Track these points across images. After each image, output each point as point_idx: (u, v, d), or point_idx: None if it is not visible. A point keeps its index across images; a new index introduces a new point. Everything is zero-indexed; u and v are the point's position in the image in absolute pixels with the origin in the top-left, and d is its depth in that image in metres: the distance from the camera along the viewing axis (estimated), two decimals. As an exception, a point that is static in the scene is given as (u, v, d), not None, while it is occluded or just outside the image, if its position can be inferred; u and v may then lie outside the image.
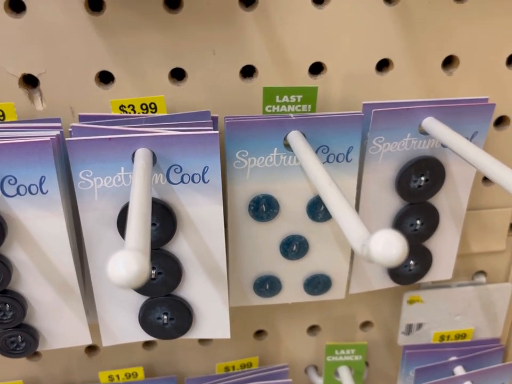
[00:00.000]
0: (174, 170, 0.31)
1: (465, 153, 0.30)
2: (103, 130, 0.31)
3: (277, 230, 0.36)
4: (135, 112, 0.34)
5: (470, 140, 0.35)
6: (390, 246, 0.19)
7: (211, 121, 0.33)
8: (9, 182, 0.30)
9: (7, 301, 0.32)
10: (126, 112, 0.34)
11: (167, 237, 0.33)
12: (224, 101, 0.35)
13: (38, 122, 0.32)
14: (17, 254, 0.32)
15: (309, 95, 0.34)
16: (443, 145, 0.36)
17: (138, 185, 0.26)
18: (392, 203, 0.37)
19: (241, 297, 0.38)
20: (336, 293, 0.39)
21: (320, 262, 0.38)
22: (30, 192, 0.30)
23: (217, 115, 0.34)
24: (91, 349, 0.44)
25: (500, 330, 0.46)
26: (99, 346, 0.43)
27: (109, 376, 0.43)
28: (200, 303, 0.35)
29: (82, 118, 0.33)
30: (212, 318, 0.36)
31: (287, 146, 0.32)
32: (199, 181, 0.32)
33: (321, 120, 0.32)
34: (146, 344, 0.44)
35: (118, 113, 0.34)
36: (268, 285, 0.38)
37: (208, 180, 0.32)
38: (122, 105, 0.33)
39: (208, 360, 0.45)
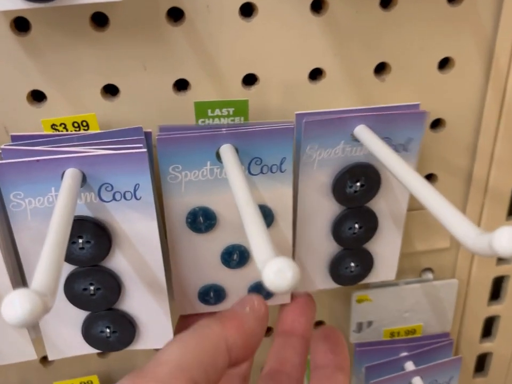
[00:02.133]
0: (105, 188, 0.32)
1: (389, 165, 0.31)
2: (33, 152, 0.32)
3: (216, 241, 0.36)
4: (67, 130, 0.34)
5: (405, 146, 0.36)
6: (282, 275, 0.20)
7: (143, 137, 0.33)
8: None
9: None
10: (58, 131, 0.34)
11: (103, 253, 0.33)
12: (158, 115, 0.36)
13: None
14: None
15: (241, 108, 0.34)
16: (375, 152, 0.36)
17: (58, 209, 0.27)
18: (330, 209, 0.37)
19: (187, 306, 0.39)
20: (282, 297, 0.40)
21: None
22: None
23: (150, 130, 0.34)
24: (46, 359, 0.44)
25: (449, 325, 0.47)
26: (54, 357, 0.44)
27: (64, 386, 0.44)
28: (142, 315, 0.36)
29: (15, 138, 0.33)
30: (155, 329, 0.36)
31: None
32: (131, 198, 0.32)
33: (253, 133, 0.33)
34: (101, 353, 0.45)
35: (50, 131, 0.34)
36: (212, 293, 0.38)
37: (140, 197, 0.32)
38: (54, 124, 0.34)
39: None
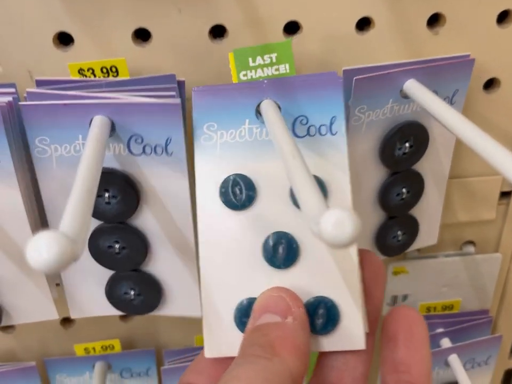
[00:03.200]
0: (135, 140, 0.30)
1: (443, 119, 0.28)
2: (60, 96, 0.29)
3: (256, 223, 0.27)
4: (95, 76, 0.32)
5: (451, 99, 0.33)
6: (341, 226, 0.17)
7: (175, 86, 0.31)
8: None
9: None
10: (86, 76, 0.32)
11: (130, 210, 0.31)
12: (192, 63, 0.33)
13: (-9, 88, 0.30)
14: (-29, 228, 0.30)
15: (284, 52, 0.30)
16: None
17: (86, 158, 0.25)
18: (377, 175, 0.35)
19: (222, 342, 0.27)
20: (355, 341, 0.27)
21: (318, 277, 0.27)
22: (-20, 163, 0.29)
23: (183, 79, 0.31)
24: (67, 321, 0.43)
25: (488, 301, 0.45)
26: (75, 319, 0.42)
27: (85, 349, 0.42)
28: (169, 279, 0.34)
29: (40, 83, 0.31)
30: (182, 295, 0.34)
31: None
32: (162, 153, 0.30)
33: (296, 84, 0.30)
34: (124, 316, 0.43)
35: (77, 77, 0.32)
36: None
37: (172, 152, 0.30)
38: (81, 69, 0.31)
39: (187, 333, 0.44)
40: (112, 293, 0.34)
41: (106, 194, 0.31)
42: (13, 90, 0.30)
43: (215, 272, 0.27)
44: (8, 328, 0.42)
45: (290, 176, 0.23)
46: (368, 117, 0.32)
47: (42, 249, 0.17)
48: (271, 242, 0.27)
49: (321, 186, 0.28)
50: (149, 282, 0.33)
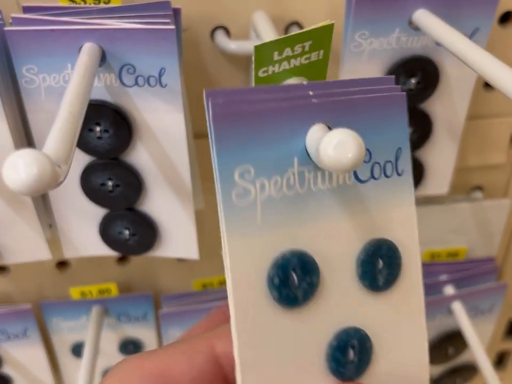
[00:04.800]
0: (127, 70, 0.28)
1: (461, 53, 0.26)
2: (48, 22, 0.28)
3: (316, 320, 0.19)
4: (85, 2, 0.30)
5: (470, 38, 0.31)
6: (343, 147, 0.16)
7: (171, 13, 0.29)
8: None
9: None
10: (75, 3, 0.30)
11: (123, 145, 0.30)
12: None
13: (-26, 14, 0.29)
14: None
15: (322, 37, 0.24)
16: (438, 44, 0.31)
17: (74, 84, 0.23)
18: (378, 109, 0.33)
19: None
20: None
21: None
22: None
23: (179, 7, 0.30)
24: (63, 264, 0.42)
25: (495, 249, 0.44)
26: (71, 262, 0.41)
27: (81, 292, 0.41)
28: (164, 219, 0.32)
29: (27, 10, 0.29)
30: (178, 236, 0.33)
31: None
32: (156, 84, 0.28)
33: (353, 104, 0.19)
34: (120, 260, 0.42)
35: (67, 3, 0.30)
36: None
37: (166, 84, 0.28)
38: (70, -5, 0.29)
39: (185, 277, 0.43)
40: (107, 233, 0.33)
41: (98, 128, 0.29)
42: (-5, 17, 0.28)
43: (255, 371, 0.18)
44: (3, 270, 0.41)
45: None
46: (370, 44, 0.30)
47: (20, 168, 0.16)
48: (337, 345, 0.19)
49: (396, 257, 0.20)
50: (144, 222, 0.32)
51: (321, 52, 0.24)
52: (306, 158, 0.18)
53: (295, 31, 0.33)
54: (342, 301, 0.19)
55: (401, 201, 0.20)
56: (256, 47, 0.23)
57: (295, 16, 0.33)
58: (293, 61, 0.24)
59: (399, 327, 0.20)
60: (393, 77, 0.20)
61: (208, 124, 0.17)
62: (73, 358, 0.45)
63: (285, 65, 0.24)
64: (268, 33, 0.29)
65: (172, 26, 0.27)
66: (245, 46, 0.32)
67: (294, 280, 0.18)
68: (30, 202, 0.31)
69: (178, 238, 0.33)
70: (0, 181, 0.29)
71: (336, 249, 0.19)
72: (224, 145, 0.16)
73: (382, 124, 0.19)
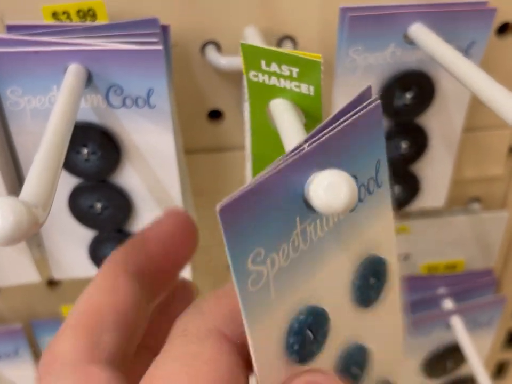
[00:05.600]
0: (114, 91, 0.27)
1: (455, 70, 0.25)
2: (32, 43, 0.27)
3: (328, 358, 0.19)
4: (71, 20, 0.29)
5: (466, 51, 0.30)
6: (334, 191, 0.15)
7: (159, 31, 0.28)
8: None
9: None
10: (61, 21, 0.29)
11: (111, 167, 0.29)
12: (178, 7, 0.30)
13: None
14: None
15: (309, 71, 0.22)
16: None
17: (58, 110, 0.22)
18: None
19: None
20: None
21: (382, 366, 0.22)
22: None
23: (168, 23, 0.29)
24: (53, 282, 0.41)
25: (493, 260, 0.43)
26: (61, 280, 0.41)
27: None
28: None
29: (11, 28, 0.28)
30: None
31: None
32: (144, 106, 0.27)
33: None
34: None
35: (51, 21, 0.29)
36: None
37: (155, 105, 0.27)
38: (55, 12, 0.29)
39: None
40: (96, 254, 0.32)
41: (85, 151, 0.28)
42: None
43: None
44: (-8, 289, 0.40)
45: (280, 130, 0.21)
46: (364, 59, 0.30)
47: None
48: (344, 367, 0.20)
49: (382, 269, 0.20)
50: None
51: (311, 88, 0.23)
52: (305, 210, 0.17)
53: (287, 45, 0.32)
54: (345, 328, 0.19)
55: (380, 210, 0.20)
56: (243, 45, 0.23)
57: (287, 30, 0.32)
58: (282, 82, 0.23)
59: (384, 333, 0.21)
60: (370, 86, 0.19)
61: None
62: (66, 376, 0.44)
63: (275, 82, 0.23)
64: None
65: (160, 47, 0.26)
66: (236, 61, 0.31)
67: (310, 337, 0.18)
68: (17, 226, 0.30)
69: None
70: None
71: (337, 284, 0.19)
72: (234, 241, 0.15)
73: (363, 143, 0.18)
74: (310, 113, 0.24)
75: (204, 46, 0.32)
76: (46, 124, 0.28)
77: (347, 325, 0.19)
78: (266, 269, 0.16)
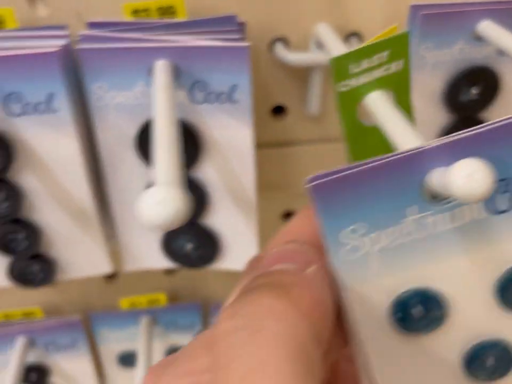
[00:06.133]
0: (199, 87, 0.28)
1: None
2: (118, 39, 0.28)
3: (447, 341, 0.19)
4: (150, 17, 0.30)
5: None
6: (472, 178, 0.16)
7: (239, 28, 0.29)
8: (14, 99, 0.26)
9: (20, 230, 0.30)
10: (141, 17, 0.30)
11: (190, 161, 0.30)
12: (255, 3, 0.31)
13: (41, 31, 0.28)
14: (27, 180, 0.29)
15: (399, 46, 0.24)
16: (500, 53, 0.31)
17: (162, 106, 0.23)
18: (440, 119, 0.33)
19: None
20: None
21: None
22: (37, 111, 0.27)
23: (244, 20, 0.29)
24: (111, 276, 0.42)
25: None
26: (118, 273, 0.41)
27: (131, 302, 0.41)
28: (227, 233, 0.32)
29: (92, 26, 0.29)
30: (239, 249, 0.33)
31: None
32: (227, 101, 0.28)
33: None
34: (168, 270, 0.42)
35: (131, 19, 0.30)
36: None
37: (237, 100, 0.28)
38: (136, 10, 0.29)
39: (233, 286, 0.43)
40: (169, 246, 0.33)
41: (167, 145, 0.29)
42: (64, 33, 0.28)
43: None
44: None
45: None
46: (434, 56, 0.30)
47: (167, 206, 0.16)
48: (474, 356, 0.20)
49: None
50: (207, 236, 0.32)
51: (401, 62, 0.24)
52: (422, 202, 0.17)
53: (354, 41, 0.33)
54: (475, 323, 0.19)
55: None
56: (332, 60, 0.23)
57: (353, 27, 0.33)
58: (372, 73, 0.24)
59: None
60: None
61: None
62: (120, 368, 0.45)
63: (365, 78, 0.24)
64: (336, 45, 0.29)
65: (247, 44, 0.27)
66: (304, 57, 0.32)
67: (417, 314, 0.18)
68: (95, 218, 0.31)
69: (239, 251, 0.33)
70: (66, 196, 0.30)
71: (467, 279, 0.19)
72: (328, 212, 0.16)
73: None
74: (398, 88, 0.25)
75: (272, 43, 0.33)
76: (130, 118, 0.29)
77: (484, 320, 0.19)
78: (365, 244, 0.17)
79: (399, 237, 0.18)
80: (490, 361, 0.19)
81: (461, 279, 0.19)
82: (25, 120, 0.27)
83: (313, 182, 0.16)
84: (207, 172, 0.30)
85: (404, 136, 0.21)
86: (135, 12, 0.29)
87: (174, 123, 0.22)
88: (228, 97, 0.28)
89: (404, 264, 0.18)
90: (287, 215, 0.41)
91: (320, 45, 0.32)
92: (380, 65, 0.24)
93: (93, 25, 0.29)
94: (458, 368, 0.19)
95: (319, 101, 0.35)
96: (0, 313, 0.40)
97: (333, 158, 0.36)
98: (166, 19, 0.30)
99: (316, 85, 0.34)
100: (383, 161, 0.16)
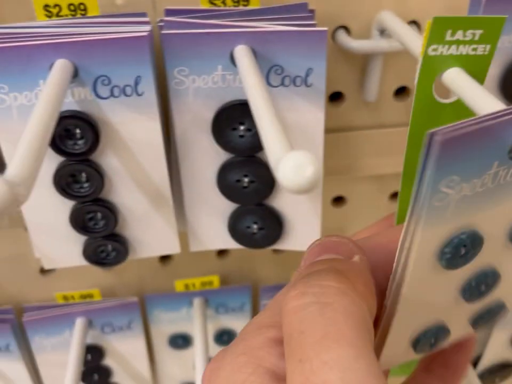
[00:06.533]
0: (275, 71, 0.29)
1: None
2: (200, 25, 0.29)
3: (463, 272, 0.22)
4: (225, 4, 0.31)
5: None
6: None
7: (312, 15, 0.30)
8: (102, 82, 0.28)
9: (99, 210, 0.31)
10: (215, 5, 0.31)
11: (260, 143, 0.31)
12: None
13: (122, 17, 0.29)
14: (110, 161, 0.30)
15: (492, 30, 0.24)
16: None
17: (256, 85, 0.24)
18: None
19: (395, 354, 0.24)
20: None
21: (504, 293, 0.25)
22: (125, 94, 0.28)
23: (314, 8, 0.31)
24: (164, 258, 0.43)
25: None
26: (173, 256, 0.43)
27: (185, 285, 0.42)
28: (292, 213, 0.34)
29: (169, 12, 0.30)
30: (303, 229, 0.34)
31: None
32: (301, 84, 0.29)
33: None
34: (220, 253, 0.43)
35: (207, 6, 0.31)
36: (433, 339, 0.24)
37: (311, 84, 0.29)
38: (212, -2, 0.30)
39: (282, 269, 0.44)
40: (235, 227, 0.34)
41: (241, 127, 0.30)
42: (145, 19, 0.29)
43: (407, 315, 0.23)
44: (107, 265, 0.42)
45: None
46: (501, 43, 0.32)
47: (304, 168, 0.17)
48: (473, 283, 0.23)
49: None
50: (272, 216, 0.33)
51: (488, 46, 0.24)
52: (505, 159, 0.19)
53: (414, 30, 0.34)
54: (490, 255, 0.22)
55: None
56: (436, 18, 0.23)
57: (413, 15, 0.34)
58: (460, 48, 0.24)
59: None
60: None
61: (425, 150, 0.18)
62: (170, 350, 0.46)
63: (453, 50, 0.24)
64: (405, 30, 0.30)
65: (325, 28, 0.28)
66: (367, 45, 0.33)
67: (461, 253, 0.21)
68: (170, 199, 0.32)
69: (303, 231, 0.34)
70: (144, 175, 0.31)
71: (496, 224, 0.22)
72: (438, 162, 0.18)
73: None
74: (476, 72, 0.26)
75: (333, 31, 0.34)
76: (206, 103, 0.30)
77: (494, 254, 0.22)
78: (453, 193, 0.19)
79: (478, 187, 0.20)
80: (483, 287, 0.23)
81: (493, 224, 0.21)
82: (112, 103, 0.28)
83: (434, 135, 0.18)
84: (277, 154, 0.31)
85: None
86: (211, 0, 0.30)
87: (265, 100, 0.23)
88: (303, 80, 0.29)
89: (470, 210, 0.20)
90: (338, 199, 0.42)
91: (382, 33, 0.34)
92: (470, 42, 0.24)
93: (170, 12, 0.30)
94: (455, 293, 0.23)
95: (376, 88, 0.36)
96: (59, 294, 0.42)
97: (387, 143, 0.38)
98: (240, 7, 0.31)
99: (375, 72, 0.35)
100: (489, 122, 0.18)
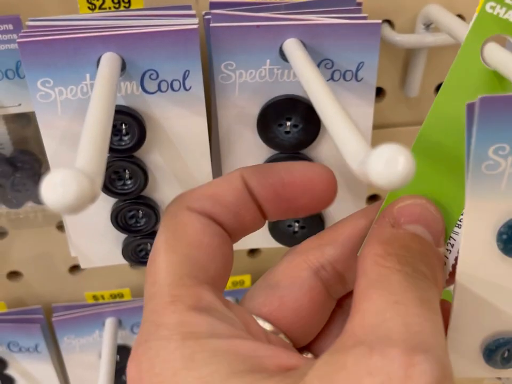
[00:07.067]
0: (325, 65, 0.28)
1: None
2: (247, 18, 0.28)
3: None
4: (270, -3, 0.30)
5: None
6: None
7: (359, 7, 0.29)
8: (150, 77, 0.27)
9: (141, 208, 0.30)
10: (261, -2, 0.30)
11: (310, 140, 0.30)
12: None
13: (167, 10, 0.29)
14: (154, 158, 0.29)
15: None
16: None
17: (314, 81, 0.23)
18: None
19: (464, 366, 0.23)
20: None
21: None
22: (172, 89, 0.27)
23: (361, 1, 0.30)
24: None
25: None
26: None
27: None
28: (334, 212, 0.33)
29: (214, 5, 0.29)
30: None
31: None
32: (351, 79, 0.29)
33: None
34: (251, 252, 0.42)
35: (252, -1, 0.30)
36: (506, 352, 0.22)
37: (362, 78, 0.29)
38: (257, -10, 0.30)
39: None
40: (276, 225, 0.33)
41: (288, 123, 0.30)
42: (191, 12, 0.29)
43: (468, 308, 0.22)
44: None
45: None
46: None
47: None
48: None
49: None
50: (314, 215, 0.33)
51: None
52: None
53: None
54: None
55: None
56: None
57: (457, 9, 0.33)
58: None
59: None
60: None
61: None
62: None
63: (509, 16, 0.23)
64: (455, 22, 0.29)
65: (378, 21, 0.27)
66: (413, 39, 0.33)
67: None
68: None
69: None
70: (187, 175, 0.30)
71: None
72: (486, 128, 0.18)
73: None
74: None
75: (377, 25, 0.33)
76: (251, 98, 0.29)
77: None
78: (505, 163, 0.19)
79: None
80: None
81: None
82: (158, 98, 0.27)
83: (482, 101, 0.17)
84: (322, 150, 0.31)
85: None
86: (257, -8, 0.30)
87: (334, 95, 0.22)
88: (353, 75, 0.28)
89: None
90: (373, 197, 0.41)
91: (428, 27, 0.33)
92: None
93: (214, 5, 0.29)
94: None
95: (418, 84, 0.35)
96: (89, 294, 0.41)
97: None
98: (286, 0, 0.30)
99: (418, 67, 0.34)
100: None
